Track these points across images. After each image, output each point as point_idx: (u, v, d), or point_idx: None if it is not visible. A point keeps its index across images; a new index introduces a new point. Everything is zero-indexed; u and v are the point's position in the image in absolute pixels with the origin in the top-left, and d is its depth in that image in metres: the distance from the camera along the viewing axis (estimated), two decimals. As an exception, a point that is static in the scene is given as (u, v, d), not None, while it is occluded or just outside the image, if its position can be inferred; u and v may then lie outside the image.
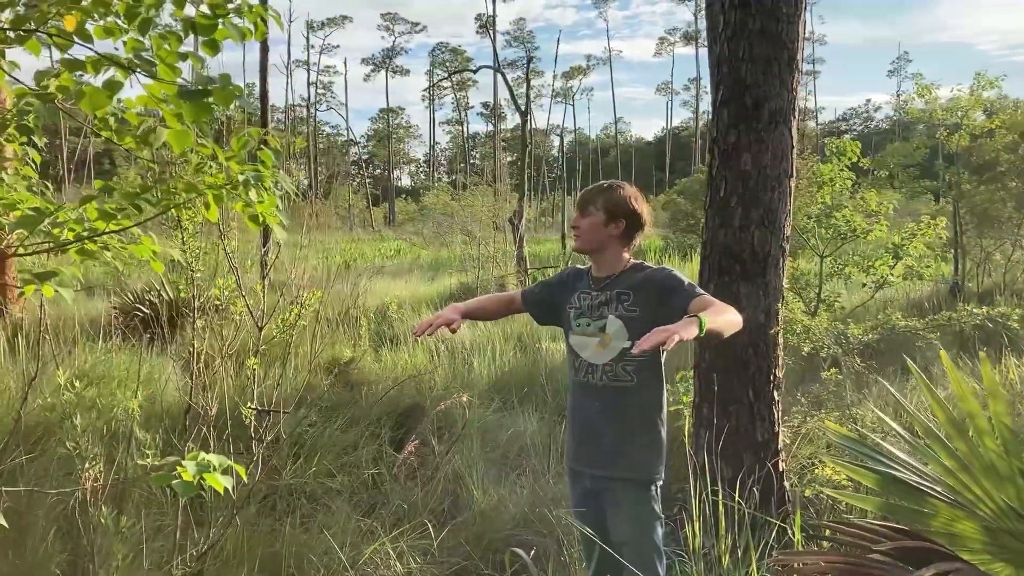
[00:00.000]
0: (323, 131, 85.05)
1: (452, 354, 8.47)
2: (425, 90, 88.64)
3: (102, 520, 2.94)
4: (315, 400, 5.88)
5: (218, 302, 3.68)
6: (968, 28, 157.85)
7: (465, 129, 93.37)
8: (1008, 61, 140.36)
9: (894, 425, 2.80)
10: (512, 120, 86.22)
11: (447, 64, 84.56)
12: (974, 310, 4.50)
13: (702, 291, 2.77)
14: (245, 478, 1.73)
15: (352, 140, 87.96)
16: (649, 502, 2.82)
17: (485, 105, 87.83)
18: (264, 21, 1.51)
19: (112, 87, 1.45)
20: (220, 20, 1.44)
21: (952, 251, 11.38)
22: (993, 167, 11.21)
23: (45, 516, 3.42)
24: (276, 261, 5.26)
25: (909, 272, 6.82)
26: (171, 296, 9.22)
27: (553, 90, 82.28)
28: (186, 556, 3.08)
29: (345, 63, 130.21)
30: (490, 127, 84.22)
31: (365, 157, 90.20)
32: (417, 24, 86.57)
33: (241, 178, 1.58)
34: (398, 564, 3.58)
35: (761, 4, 3.82)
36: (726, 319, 2.59)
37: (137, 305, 9.19)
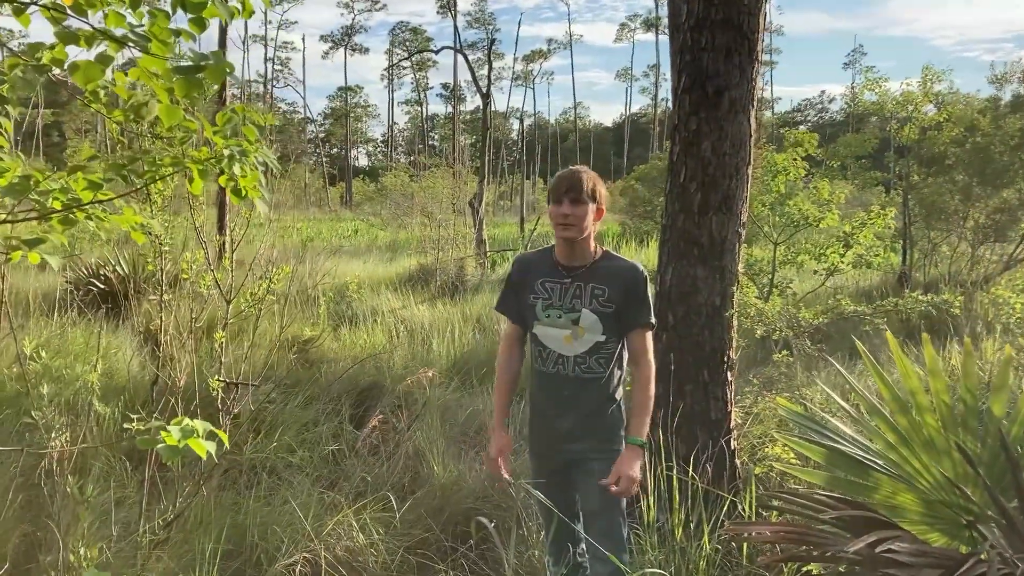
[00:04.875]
0: (279, 108, 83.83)
1: (411, 335, 8.52)
2: (385, 70, 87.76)
3: (68, 489, 2.96)
4: (276, 377, 5.91)
5: (185, 276, 3.69)
6: (922, 23, 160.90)
7: (424, 110, 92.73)
8: (960, 57, 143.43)
9: (841, 403, 2.94)
10: (472, 102, 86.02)
11: (407, 44, 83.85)
12: (919, 297, 4.67)
13: (649, 320, 2.94)
14: (227, 444, 1.79)
15: (309, 118, 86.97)
16: None
17: (445, 86, 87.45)
18: (250, -1, 1.57)
19: (104, 61, 1.48)
20: (209, -1, 1.49)
21: (901, 241, 11.67)
22: (941, 160, 11.50)
23: (6, 486, 3.42)
24: (234, 238, 5.26)
25: (859, 260, 7.02)
26: (125, 271, 9.13)
27: (513, 73, 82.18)
28: (153, 524, 3.11)
29: (303, 40, 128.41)
30: (449, 108, 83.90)
31: (322, 136, 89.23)
32: (377, 2, 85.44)
33: (226, 152, 1.63)
34: (361, 535, 3.65)
35: (724, -5, 3.91)
36: (647, 409, 2.87)
37: (91, 280, 9.08)
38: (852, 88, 72.29)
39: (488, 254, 15.71)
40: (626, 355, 2.99)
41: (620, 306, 2.89)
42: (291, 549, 3.47)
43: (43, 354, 2.97)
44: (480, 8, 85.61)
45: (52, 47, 1.53)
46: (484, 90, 19.64)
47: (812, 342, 4.64)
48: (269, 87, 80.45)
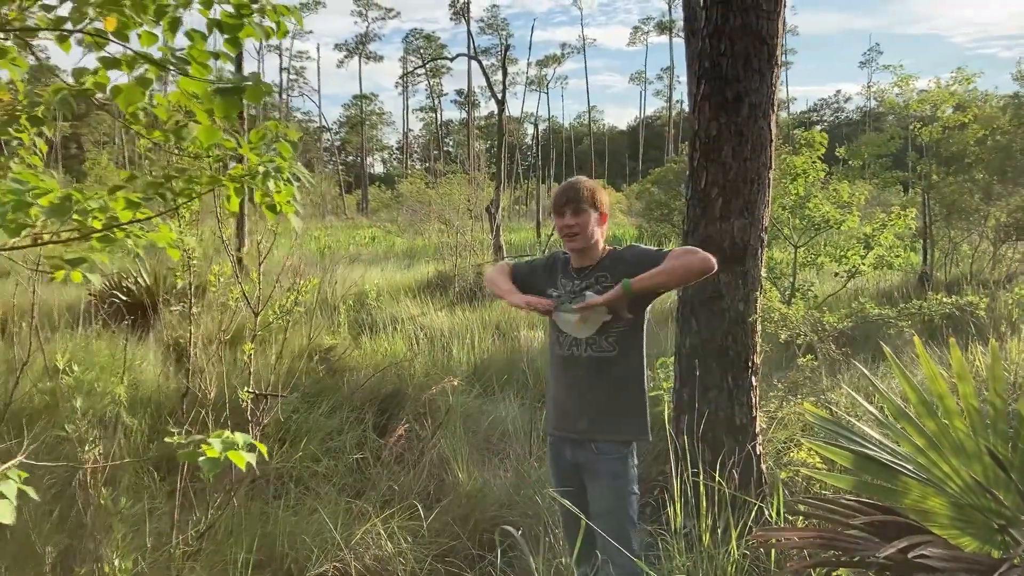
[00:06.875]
0: (295, 117, 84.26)
1: (431, 342, 8.55)
2: (400, 77, 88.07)
3: (101, 501, 3.00)
4: (300, 386, 5.94)
5: (213, 289, 3.73)
6: (941, 20, 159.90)
7: (439, 116, 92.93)
8: (978, 54, 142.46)
9: (868, 406, 2.93)
10: (486, 107, 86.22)
11: (421, 51, 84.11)
12: (943, 299, 4.64)
13: (663, 252, 2.96)
14: (267, 456, 1.81)
15: (324, 127, 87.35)
16: (626, 473, 2.99)
17: (459, 92, 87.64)
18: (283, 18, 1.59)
19: (144, 83, 1.52)
20: (245, 19, 1.52)
21: (921, 241, 11.59)
22: (961, 159, 11.42)
23: (41, 497, 3.47)
24: (251, 248, 5.30)
25: (880, 261, 6.99)
26: (148, 282, 9.21)
27: (527, 78, 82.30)
28: (186, 535, 3.15)
29: (318, 49, 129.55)
30: (464, 114, 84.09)
31: (337, 144, 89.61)
32: (391, 10, 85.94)
33: (261, 170, 1.66)
34: (389, 544, 3.67)
35: (742, 1, 3.92)
36: (667, 269, 2.82)
37: (114, 291, 9.15)
38: (869, 87, 71.82)
39: (506, 260, 15.72)
40: (639, 344, 3.05)
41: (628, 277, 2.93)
42: (321, 559, 3.50)
43: (75, 368, 3.01)
44: (493, 14, 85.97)
45: (95, 72, 1.57)
46: (499, 96, 19.69)
47: (836, 346, 4.63)
48: (285, 96, 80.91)
